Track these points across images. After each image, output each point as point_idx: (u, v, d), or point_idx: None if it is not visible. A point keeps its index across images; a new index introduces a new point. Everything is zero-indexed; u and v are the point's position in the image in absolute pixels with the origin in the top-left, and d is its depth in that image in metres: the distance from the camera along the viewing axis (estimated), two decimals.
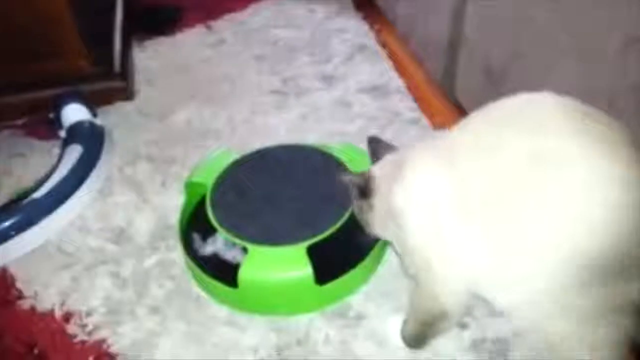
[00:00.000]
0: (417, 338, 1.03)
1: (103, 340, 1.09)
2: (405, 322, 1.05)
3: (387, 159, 1.03)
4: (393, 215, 0.95)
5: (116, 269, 1.22)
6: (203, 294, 1.16)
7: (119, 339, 1.09)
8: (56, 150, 1.44)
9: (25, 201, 1.27)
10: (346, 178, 1.06)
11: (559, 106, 0.81)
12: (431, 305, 0.96)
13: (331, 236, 1.11)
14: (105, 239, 1.28)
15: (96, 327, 1.11)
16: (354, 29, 1.86)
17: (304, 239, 1.10)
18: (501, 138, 0.81)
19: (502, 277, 0.84)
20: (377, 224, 1.02)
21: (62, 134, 1.45)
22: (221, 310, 1.13)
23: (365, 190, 1.01)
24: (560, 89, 1.04)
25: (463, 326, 1.07)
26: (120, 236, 1.29)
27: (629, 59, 0.88)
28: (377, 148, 1.10)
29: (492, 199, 0.81)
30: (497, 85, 1.25)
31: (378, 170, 1.02)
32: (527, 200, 0.78)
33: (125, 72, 1.64)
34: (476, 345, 1.05)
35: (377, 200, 1.00)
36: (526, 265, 0.80)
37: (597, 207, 0.74)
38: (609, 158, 0.74)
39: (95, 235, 1.29)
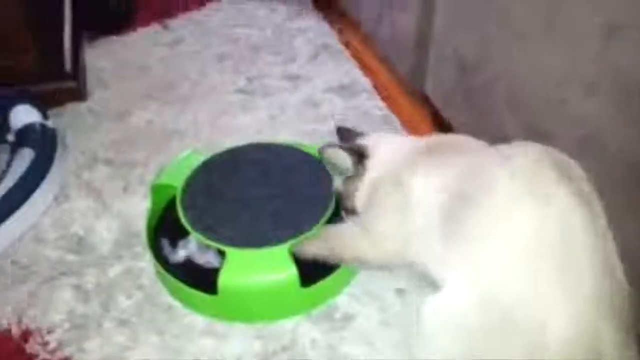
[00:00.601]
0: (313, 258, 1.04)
1: (68, 359, 1.00)
2: (309, 244, 1.04)
3: (381, 137, 1.11)
4: (399, 189, 0.95)
5: (78, 280, 1.12)
6: (176, 303, 1.09)
7: (86, 356, 1.00)
8: (3, 156, 1.33)
9: None
10: (344, 146, 1.07)
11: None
12: (364, 253, 1.00)
13: (314, 236, 1.06)
14: (63, 249, 1.18)
15: (60, 345, 1.02)
16: (316, 28, 1.83)
17: (286, 239, 1.04)
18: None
19: None
20: (360, 195, 1.04)
21: (10, 137, 1.34)
22: (198, 320, 1.06)
23: (363, 156, 1.04)
24: (539, 79, 1.05)
25: None
26: (80, 245, 1.19)
27: (610, 46, 0.88)
28: (345, 134, 1.15)
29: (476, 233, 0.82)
30: (471, 79, 1.24)
31: (370, 143, 1.07)
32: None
33: (77, 72, 1.54)
34: None
35: (369, 169, 1.03)
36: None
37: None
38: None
39: (52, 245, 1.18)
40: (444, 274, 0.86)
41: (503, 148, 0.89)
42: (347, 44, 1.76)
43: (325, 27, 1.84)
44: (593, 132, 0.94)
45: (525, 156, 0.82)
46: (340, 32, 1.81)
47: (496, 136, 1.16)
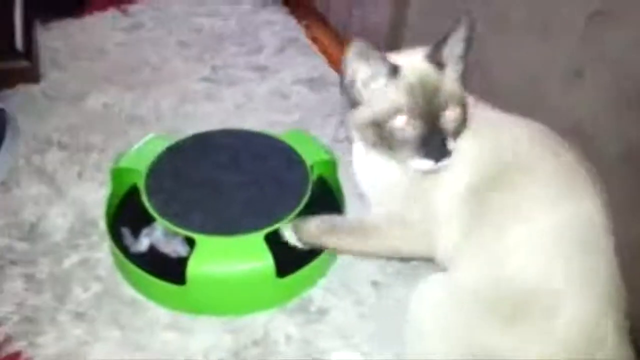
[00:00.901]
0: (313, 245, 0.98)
1: (18, 354, 0.91)
2: (332, 234, 0.96)
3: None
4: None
5: (29, 270, 1.03)
6: (138, 296, 1.01)
7: (39, 351, 0.92)
8: None
9: None
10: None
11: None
12: (406, 244, 0.91)
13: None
14: (12, 237, 1.08)
15: (9, 338, 0.93)
16: (282, 22, 1.78)
17: (260, 227, 0.99)
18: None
19: None
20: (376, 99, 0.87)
21: None
22: (162, 313, 0.99)
23: (394, 70, 0.85)
24: (517, 71, 1.05)
25: None
26: (31, 233, 1.10)
27: (593, 31, 0.88)
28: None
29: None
30: None
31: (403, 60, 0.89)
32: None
33: (30, 51, 1.44)
34: None
35: (391, 85, 0.86)
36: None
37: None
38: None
39: (0, 232, 1.08)
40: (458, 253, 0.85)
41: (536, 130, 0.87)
42: (314, 39, 1.73)
43: (291, 21, 1.80)
44: (578, 124, 0.94)
45: (568, 152, 0.83)
46: (307, 27, 1.78)
47: None
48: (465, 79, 0.90)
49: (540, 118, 0.98)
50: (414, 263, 1.10)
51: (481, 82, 1.11)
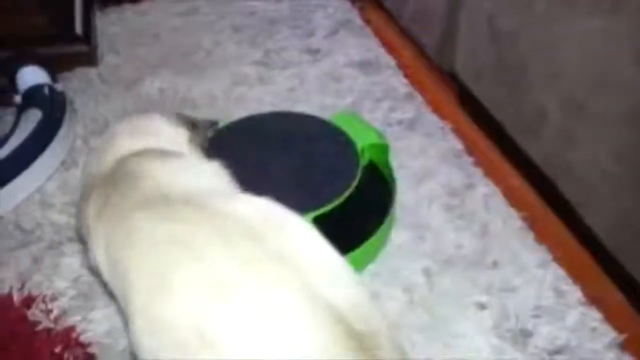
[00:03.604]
0: None
1: (72, 328, 0.94)
2: None
3: None
4: None
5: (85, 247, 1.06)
6: None
7: (92, 326, 0.94)
8: (9, 118, 1.27)
9: None
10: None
11: None
12: None
13: (339, 207, 1.00)
14: (70, 214, 1.11)
15: (64, 313, 0.96)
16: (335, 4, 1.76)
17: (308, 209, 0.97)
18: None
19: None
20: None
21: (17, 99, 1.27)
22: None
23: None
24: (590, 47, 0.98)
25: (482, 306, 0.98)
26: None
27: None
28: None
29: None
30: (506, 51, 1.17)
31: None
32: None
33: (88, 35, 1.47)
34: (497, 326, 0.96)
35: None
36: None
37: None
38: None
39: (59, 210, 1.12)
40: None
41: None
42: (368, 21, 1.70)
43: (346, 3, 1.77)
44: None
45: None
46: (361, 9, 1.75)
47: (532, 115, 1.11)
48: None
49: (608, 98, 0.93)
50: (465, 252, 1.06)
51: (547, 64, 1.06)
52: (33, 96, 1.25)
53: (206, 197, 0.76)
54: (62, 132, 1.21)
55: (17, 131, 1.16)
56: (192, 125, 0.99)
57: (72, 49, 1.43)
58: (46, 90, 1.26)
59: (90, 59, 1.45)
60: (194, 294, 0.66)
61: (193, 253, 0.68)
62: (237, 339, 0.63)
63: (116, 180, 0.80)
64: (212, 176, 0.86)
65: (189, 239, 0.69)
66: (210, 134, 1.08)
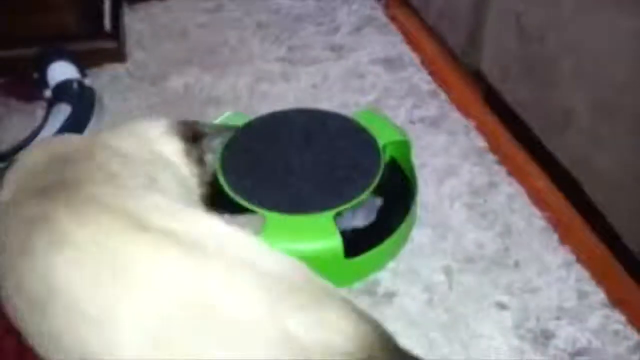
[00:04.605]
0: None
1: None
2: None
3: None
4: None
5: None
6: None
7: None
8: (40, 112, 1.31)
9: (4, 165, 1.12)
10: None
11: None
12: None
13: (360, 205, 1.00)
14: None
15: None
16: (360, 1, 1.76)
17: (330, 206, 0.98)
18: None
19: None
20: None
21: (47, 93, 1.30)
22: None
23: None
24: (613, 48, 0.97)
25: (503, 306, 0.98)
26: None
27: None
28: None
29: None
30: (533, 50, 1.16)
31: None
32: None
33: (117, 32, 1.50)
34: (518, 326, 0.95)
35: None
36: None
37: None
38: None
39: None
40: None
41: None
42: (393, 18, 1.69)
43: (370, 0, 1.77)
44: None
45: None
46: (386, 6, 1.74)
47: (559, 114, 1.10)
48: None
49: (637, 98, 0.91)
50: (487, 251, 1.06)
51: (575, 63, 1.05)
52: (63, 91, 1.28)
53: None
54: (91, 127, 1.24)
55: (47, 125, 1.19)
56: (195, 136, 1.00)
57: (100, 45, 1.46)
58: (75, 85, 1.29)
59: (118, 55, 1.48)
60: None
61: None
62: None
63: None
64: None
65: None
66: (229, 135, 1.10)
